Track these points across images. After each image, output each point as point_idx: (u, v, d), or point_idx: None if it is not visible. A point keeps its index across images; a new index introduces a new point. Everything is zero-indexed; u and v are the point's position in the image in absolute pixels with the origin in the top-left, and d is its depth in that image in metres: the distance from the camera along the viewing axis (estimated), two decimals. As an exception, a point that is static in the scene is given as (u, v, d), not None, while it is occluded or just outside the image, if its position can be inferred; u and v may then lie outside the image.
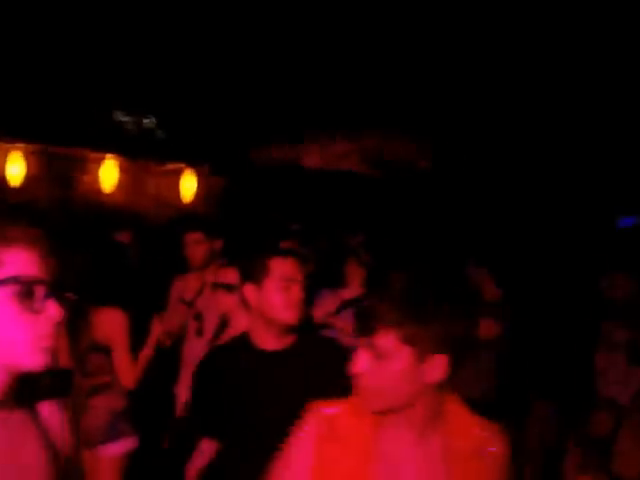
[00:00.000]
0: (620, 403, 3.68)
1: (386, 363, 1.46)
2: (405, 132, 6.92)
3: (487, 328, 4.42)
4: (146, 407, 3.69)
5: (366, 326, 1.47)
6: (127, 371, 3.45)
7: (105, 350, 3.42)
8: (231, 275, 3.42)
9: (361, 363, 1.48)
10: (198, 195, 6.54)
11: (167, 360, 3.90)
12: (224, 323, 3.50)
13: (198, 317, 3.89)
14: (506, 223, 6.53)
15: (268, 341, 2.42)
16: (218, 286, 3.53)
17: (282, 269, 2.40)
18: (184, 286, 4.19)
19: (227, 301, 3.45)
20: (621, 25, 5.44)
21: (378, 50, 6.02)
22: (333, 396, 1.83)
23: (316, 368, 2.39)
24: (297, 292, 2.41)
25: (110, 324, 3.43)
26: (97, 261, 3.58)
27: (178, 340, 3.99)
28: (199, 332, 3.82)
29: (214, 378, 2.45)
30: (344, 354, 2.49)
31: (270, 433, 1.96)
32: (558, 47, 5.84)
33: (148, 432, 3.60)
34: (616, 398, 3.73)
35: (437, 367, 1.46)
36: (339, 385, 2.18)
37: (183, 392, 3.80)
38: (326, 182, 6.66)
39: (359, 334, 1.49)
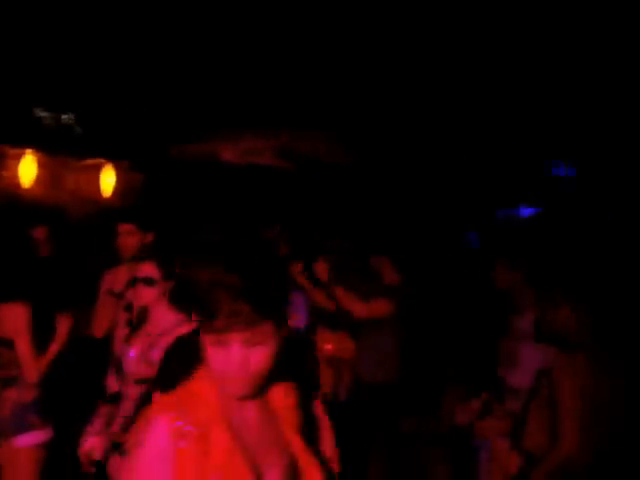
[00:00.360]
0: (508, 385, 3.94)
1: (262, 349, 1.54)
2: (318, 128, 7.18)
3: (380, 306, 4.79)
4: (76, 399, 3.84)
5: (245, 322, 1.51)
6: (29, 365, 3.58)
7: (9, 344, 3.58)
8: (149, 269, 3.56)
9: (239, 356, 1.52)
10: (117, 190, 6.65)
11: (98, 352, 4.05)
12: (143, 316, 3.62)
13: (128, 308, 3.91)
14: (414, 215, 6.88)
15: None
16: (138, 280, 3.59)
17: None
18: (114, 278, 4.26)
19: (147, 294, 3.55)
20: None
21: (289, 52, 6.22)
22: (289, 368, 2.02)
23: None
24: None
25: (12, 319, 3.57)
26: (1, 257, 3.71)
27: (109, 332, 4.13)
28: (129, 323, 3.82)
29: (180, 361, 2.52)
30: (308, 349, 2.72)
31: None
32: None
33: (77, 424, 3.72)
34: (505, 379, 3.99)
35: (282, 337, 1.60)
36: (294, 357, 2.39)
37: (113, 384, 3.81)
38: (243, 176, 6.88)
39: (236, 329, 1.51)
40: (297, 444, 1.69)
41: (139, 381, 3.49)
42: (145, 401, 2.89)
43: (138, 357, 3.51)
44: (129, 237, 4.23)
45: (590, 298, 3.56)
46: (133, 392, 3.54)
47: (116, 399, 3.71)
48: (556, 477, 3.35)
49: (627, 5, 5.12)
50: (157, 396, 1.71)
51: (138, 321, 3.68)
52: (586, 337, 3.43)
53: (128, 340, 3.69)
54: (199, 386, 1.60)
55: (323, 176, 7.13)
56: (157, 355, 3.44)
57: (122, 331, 3.96)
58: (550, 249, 5.40)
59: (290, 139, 7.22)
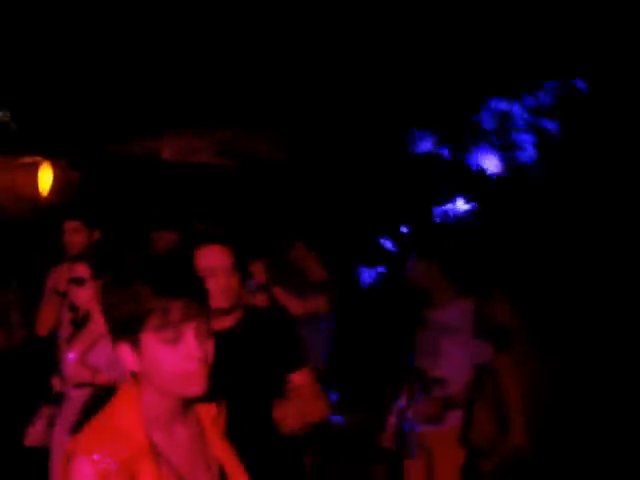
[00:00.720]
0: (431, 376, 3.99)
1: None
2: (258, 127, 7.24)
3: (316, 303, 4.91)
4: (22, 398, 3.82)
5: (196, 312, 1.49)
6: None
7: None
8: (81, 269, 3.59)
9: (197, 348, 1.48)
10: (55, 188, 6.57)
11: (43, 351, 4.02)
12: (87, 316, 3.64)
13: (73, 308, 3.82)
14: (349, 212, 6.99)
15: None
16: (71, 280, 3.63)
17: (204, 259, 2.49)
18: (58, 277, 4.20)
19: (80, 295, 3.60)
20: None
21: (229, 52, 6.27)
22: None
23: (267, 340, 2.58)
24: (223, 278, 2.50)
25: None
26: None
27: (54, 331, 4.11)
28: (74, 323, 3.80)
29: None
30: (290, 323, 2.74)
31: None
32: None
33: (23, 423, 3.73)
34: (427, 371, 4.03)
35: None
36: (290, 353, 2.48)
37: (57, 384, 3.80)
38: (184, 175, 6.89)
39: (191, 319, 1.48)
40: (222, 450, 1.66)
41: (78, 385, 3.50)
42: (91, 406, 2.90)
43: (77, 360, 3.50)
44: (75, 234, 4.23)
45: (525, 294, 3.69)
46: (75, 394, 3.54)
47: (58, 400, 3.71)
48: (507, 467, 3.51)
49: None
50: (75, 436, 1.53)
51: (82, 321, 3.68)
52: (523, 332, 3.58)
53: (70, 340, 3.70)
54: (119, 420, 1.52)
55: (262, 174, 7.19)
56: (95, 359, 3.45)
57: (66, 330, 3.98)
58: (483, 246, 5.55)
59: (230, 137, 7.25)
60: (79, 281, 3.57)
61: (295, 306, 4.74)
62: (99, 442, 1.47)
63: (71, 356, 3.51)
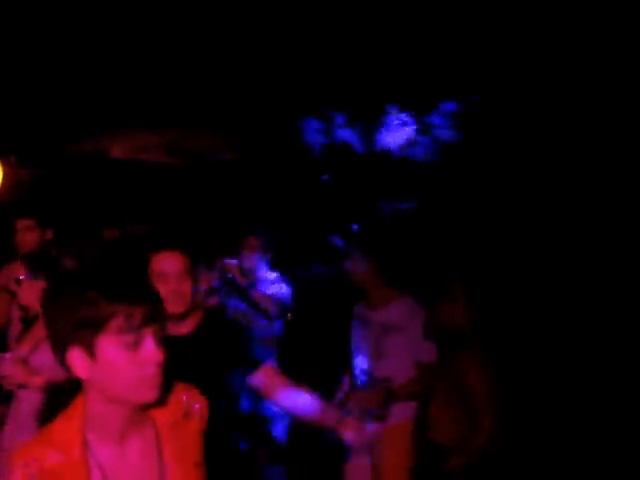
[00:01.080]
0: (374, 374, 4.00)
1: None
2: (207, 125, 7.29)
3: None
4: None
5: (156, 316, 1.50)
6: None
7: None
8: (22, 268, 3.63)
9: (155, 352, 1.49)
10: (5, 186, 6.55)
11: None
12: (35, 316, 3.57)
13: (22, 306, 3.77)
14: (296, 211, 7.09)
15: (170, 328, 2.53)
16: (14, 280, 3.62)
17: (156, 265, 2.53)
18: (9, 275, 4.13)
19: (23, 294, 3.59)
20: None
21: (179, 51, 6.32)
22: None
23: (228, 343, 2.61)
24: (173, 284, 2.51)
25: None
26: None
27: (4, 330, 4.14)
28: (24, 321, 3.74)
29: None
30: (244, 332, 2.76)
31: None
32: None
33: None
34: (369, 369, 4.05)
35: None
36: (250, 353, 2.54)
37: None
38: (133, 173, 6.92)
39: (150, 324, 1.49)
40: (180, 462, 1.64)
41: (19, 385, 3.48)
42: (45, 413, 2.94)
43: (12, 360, 3.45)
44: (28, 233, 4.19)
45: (476, 294, 3.74)
46: (23, 395, 3.57)
47: (7, 399, 3.72)
48: (473, 464, 3.49)
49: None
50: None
51: (31, 319, 3.67)
52: (476, 333, 3.62)
53: (19, 339, 3.72)
54: (59, 429, 1.54)
55: (211, 173, 7.24)
56: (41, 358, 3.48)
57: (16, 328, 3.97)
58: (428, 246, 5.65)
59: (178, 136, 7.30)
60: (17, 281, 3.60)
61: (274, 307, 4.83)
62: (32, 450, 1.51)
63: (7, 356, 3.46)
